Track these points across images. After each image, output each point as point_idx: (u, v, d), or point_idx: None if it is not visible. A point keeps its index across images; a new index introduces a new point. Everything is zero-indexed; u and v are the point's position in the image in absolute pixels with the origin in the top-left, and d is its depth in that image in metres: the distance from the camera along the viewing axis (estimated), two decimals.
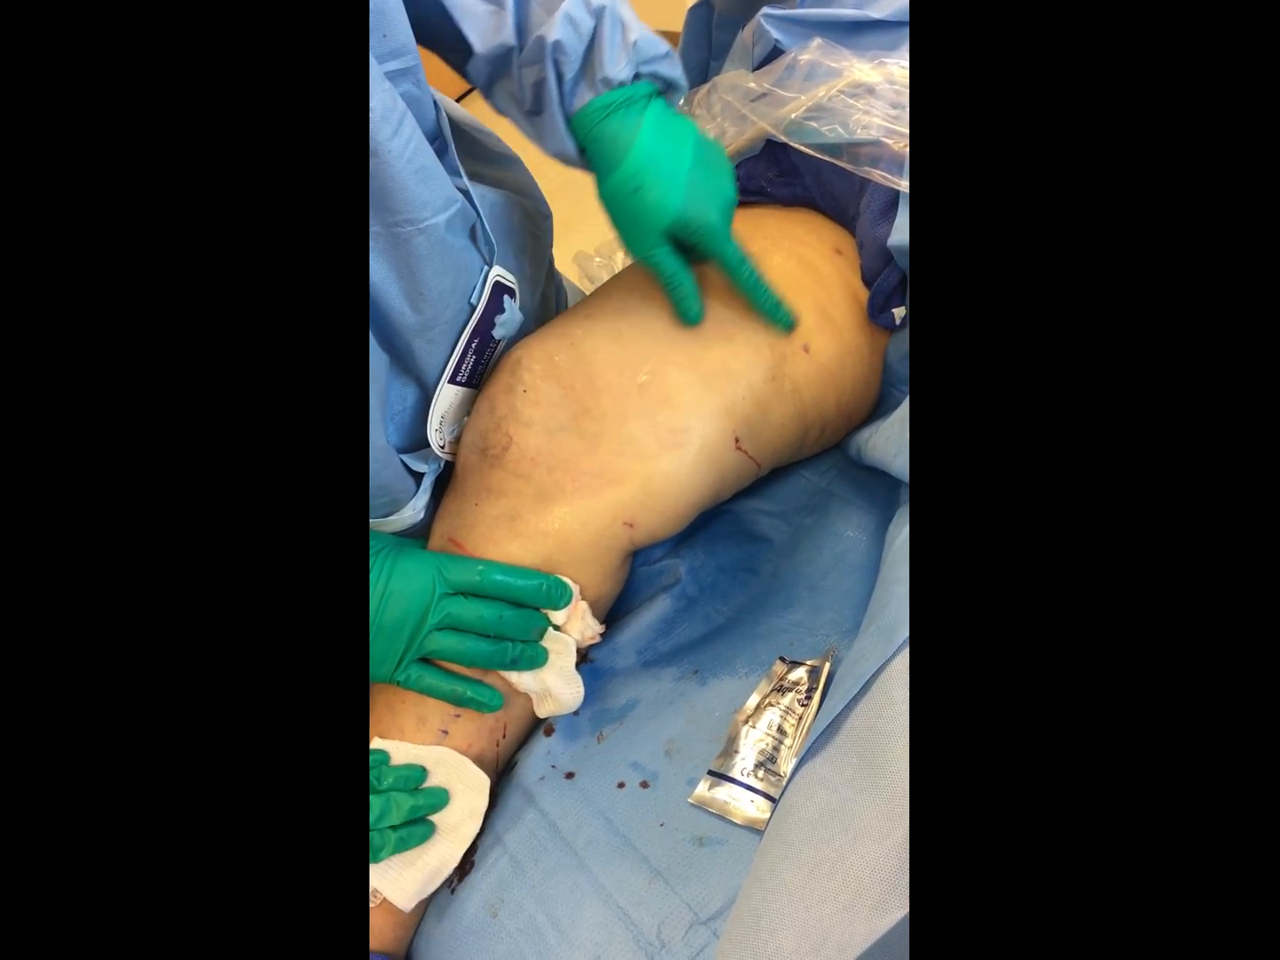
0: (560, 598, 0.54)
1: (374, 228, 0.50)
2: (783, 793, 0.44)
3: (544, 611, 0.55)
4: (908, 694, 0.41)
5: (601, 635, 0.58)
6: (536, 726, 0.59)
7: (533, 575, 0.54)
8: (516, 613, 0.54)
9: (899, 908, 0.36)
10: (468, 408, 0.63)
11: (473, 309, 0.57)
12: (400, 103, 0.47)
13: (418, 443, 0.60)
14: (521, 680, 0.55)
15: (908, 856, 0.37)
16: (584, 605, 0.56)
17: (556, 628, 0.56)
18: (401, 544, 0.57)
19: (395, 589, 0.52)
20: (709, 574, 0.63)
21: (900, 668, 0.42)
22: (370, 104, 0.45)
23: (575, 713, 0.58)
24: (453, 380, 0.60)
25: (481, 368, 0.61)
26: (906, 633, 0.43)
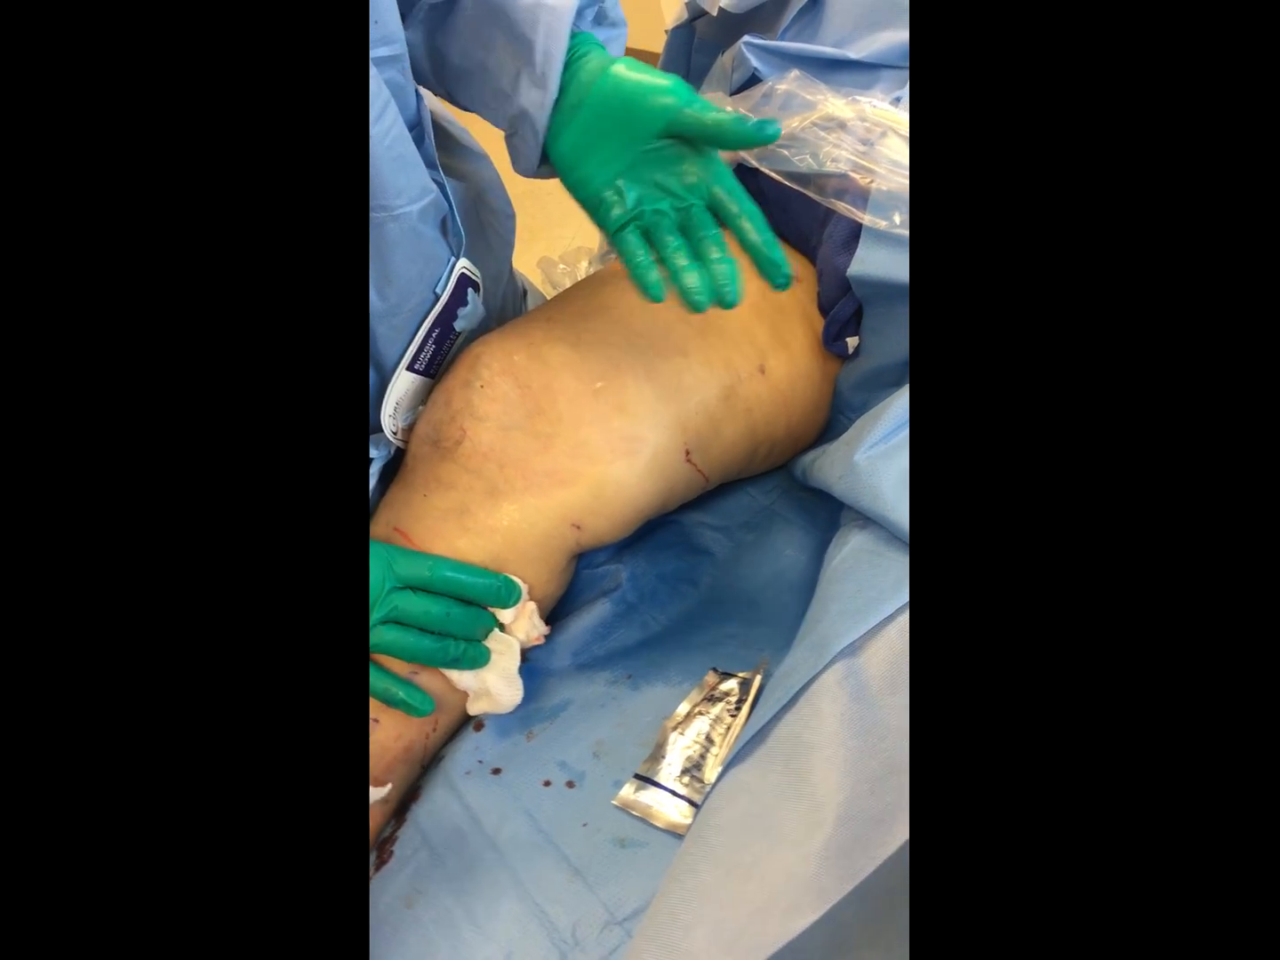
0: (510, 596, 0.55)
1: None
2: (706, 797, 0.44)
3: (491, 611, 0.55)
4: (835, 707, 0.43)
5: (545, 637, 0.59)
6: (467, 721, 0.59)
7: (485, 574, 0.54)
8: (464, 610, 0.54)
9: (812, 912, 0.37)
10: (422, 397, 0.63)
11: (437, 298, 0.58)
12: (385, 90, 0.48)
13: (370, 427, 0.60)
14: (461, 678, 0.55)
15: (824, 863, 0.38)
16: (531, 606, 0.56)
17: (502, 627, 0.56)
18: None
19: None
20: (649, 582, 0.64)
21: (830, 681, 0.44)
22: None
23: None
24: (410, 367, 0.60)
25: (440, 358, 0.62)
26: (838, 648, 0.44)
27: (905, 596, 0.45)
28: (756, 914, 0.37)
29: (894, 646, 0.44)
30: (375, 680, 0.53)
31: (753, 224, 0.52)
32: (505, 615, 0.55)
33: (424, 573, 0.53)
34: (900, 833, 0.39)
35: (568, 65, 0.52)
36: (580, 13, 0.54)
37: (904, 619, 0.45)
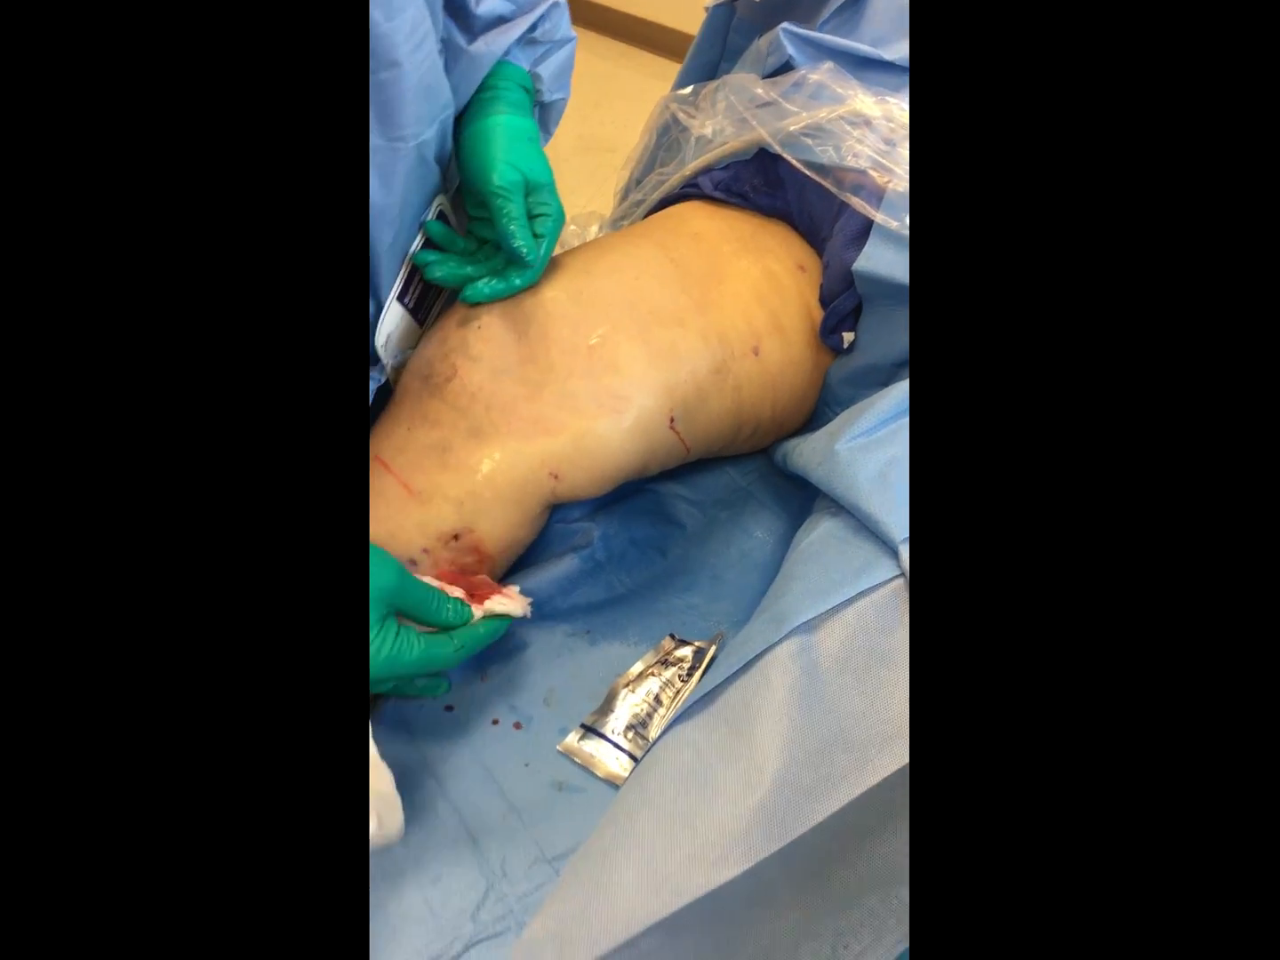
0: (461, 616, 0.52)
1: (376, 140, 0.50)
2: (650, 747, 0.46)
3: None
4: (786, 679, 0.44)
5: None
6: None
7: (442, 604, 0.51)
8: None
9: (738, 865, 0.38)
10: (413, 339, 0.63)
11: (421, 226, 0.58)
12: (428, 19, 0.48)
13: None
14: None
15: (756, 822, 0.40)
16: (514, 589, 0.56)
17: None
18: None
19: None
20: (620, 544, 0.65)
21: (783, 653, 0.45)
22: (405, 15, 0.46)
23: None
24: (400, 299, 0.60)
25: (428, 299, 0.62)
26: (796, 623, 0.46)
27: (867, 583, 0.47)
28: (686, 861, 0.39)
29: (849, 628, 0.46)
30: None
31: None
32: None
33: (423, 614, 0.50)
34: (829, 804, 0.41)
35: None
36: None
37: (862, 603, 0.46)
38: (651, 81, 2.14)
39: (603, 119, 1.96)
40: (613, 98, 2.02)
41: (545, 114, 0.66)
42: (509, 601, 0.54)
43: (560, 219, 0.59)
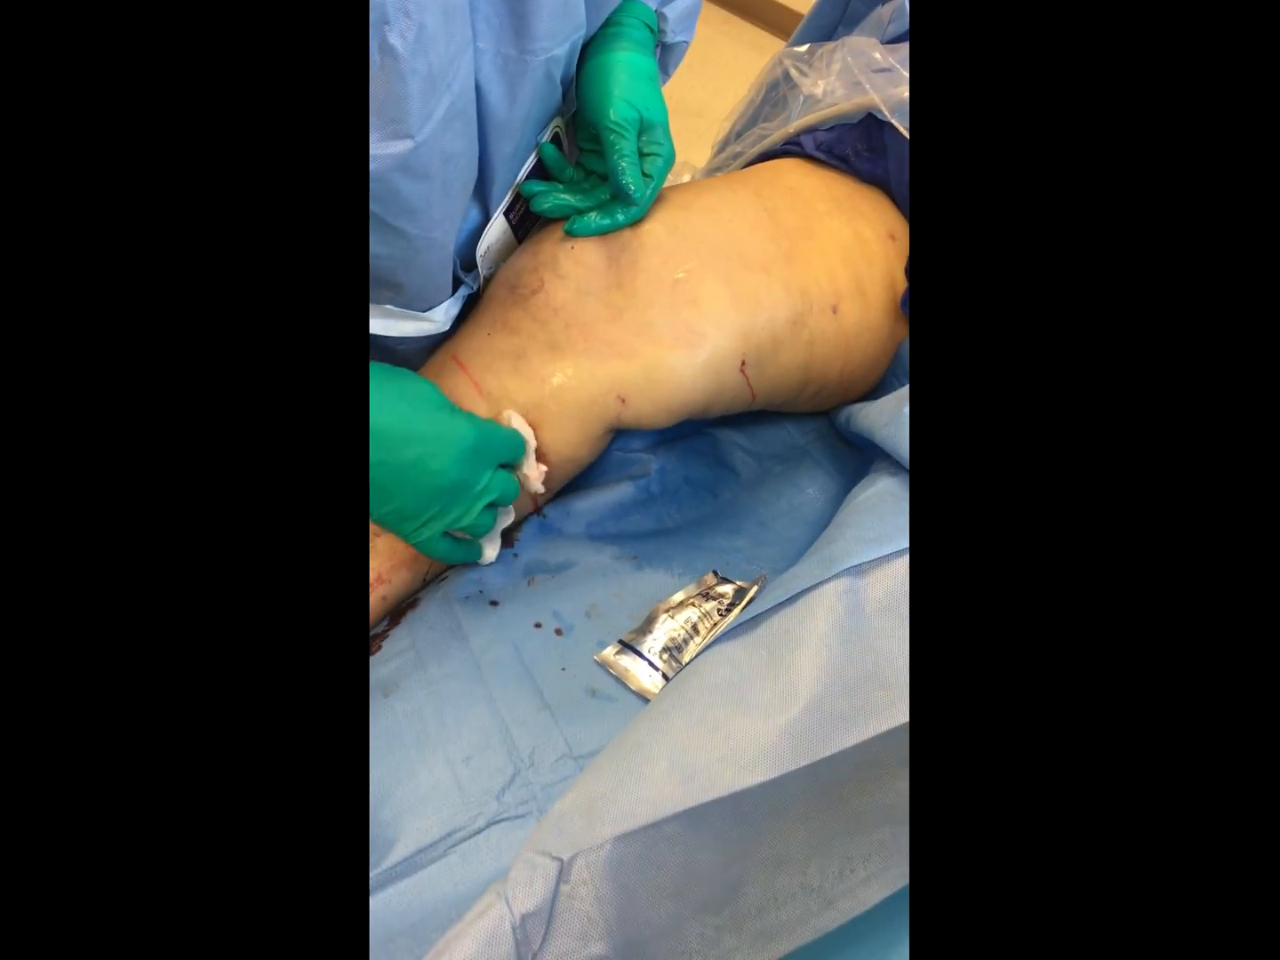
0: (521, 449, 0.57)
1: (509, 51, 0.51)
2: (690, 661, 0.47)
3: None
4: (830, 615, 0.45)
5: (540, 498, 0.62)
6: None
7: (507, 430, 0.56)
8: (512, 482, 0.56)
9: (764, 773, 0.40)
10: (509, 253, 0.65)
11: (537, 147, 0.60)
12: None
13: (466, 263, 0.62)
14: None
15: (786, 737, 0.41)
16: (540, 466, 0.59)
17: None
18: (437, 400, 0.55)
19: (438, 463, 0.51)
20: (675, 480, 0.67)
21: (830, 591, 0.46)
22: None
23: (515, 553, 0.61)
24: (506, 214, 0.62)
25: (529, 215, 0.63)
26: (846, 565, 0.47)
27: None
28: (716, 761, 0.40)
29: (897, 578, 0.47)
30: (452, 550, 0.55)
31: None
32: (534, 484, 0.57)
33: (517, 450, 0.55)
34: (858, 734, 0.42)
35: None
36: None
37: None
38: (747, 51, 2.13)
39: (694, 83, 1.95)
40: (706, 63, 2.01)
41: (666, 55, 0.67)
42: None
43: (670, 160, 0.60)
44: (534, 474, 0.58)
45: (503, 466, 0.56)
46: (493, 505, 0.55)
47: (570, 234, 0.60)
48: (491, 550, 0.59)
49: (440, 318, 0.61)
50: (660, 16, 0.64)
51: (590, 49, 0.60)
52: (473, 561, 0.59)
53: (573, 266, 0.60)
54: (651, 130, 0.59)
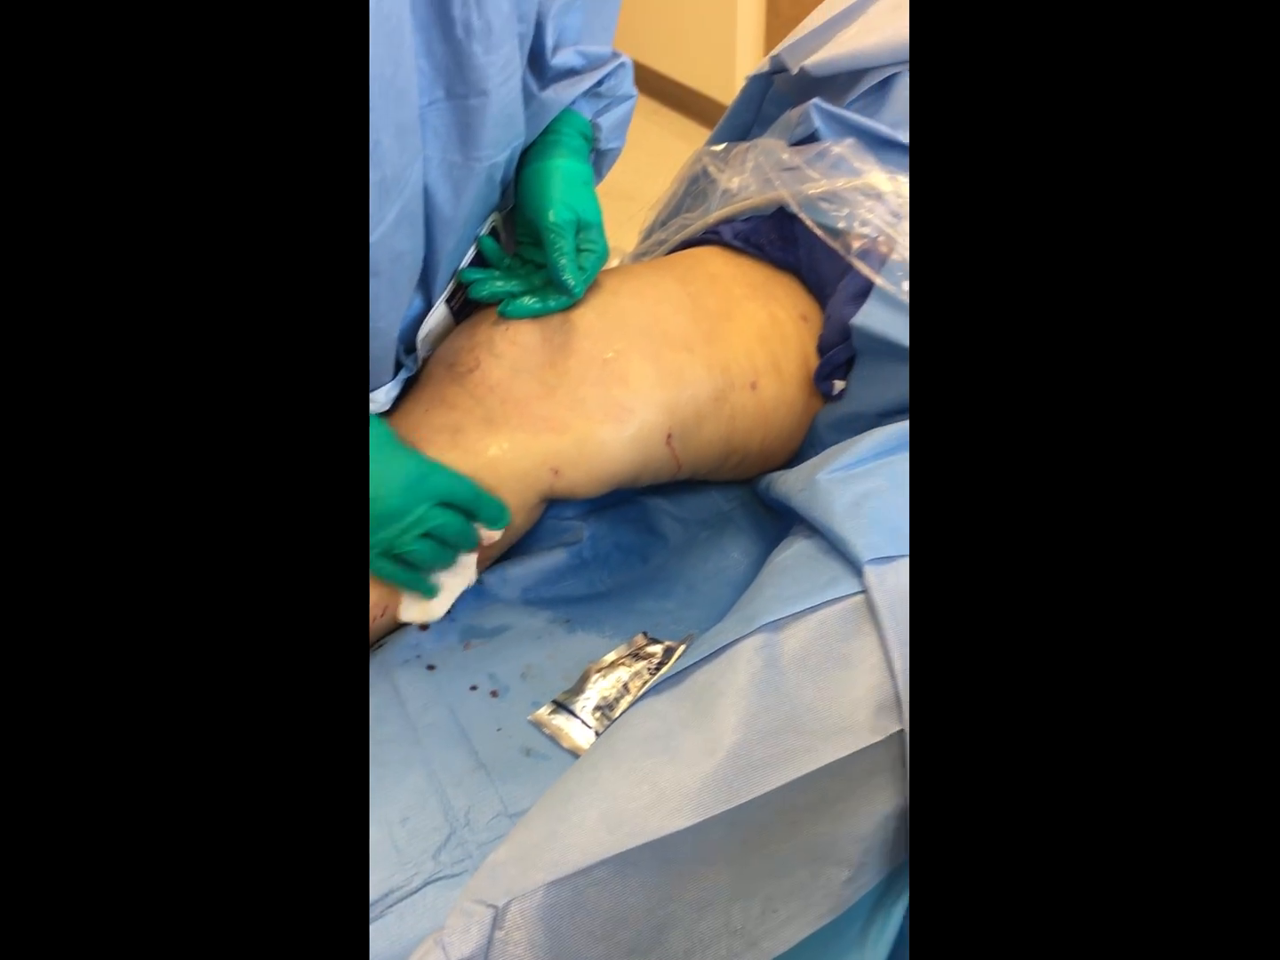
0: (503, 520, 0.60)
1: (455, 158, 0.56)
2: (619, 715, 0.50)
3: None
4: (749, 668, 0.49)
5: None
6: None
7: (492, 498, 0.59)
8: (469, 526, 0.59)
9: (687, 818, 0.43)
10: (446, 335, 0.69)
11: (475, 240, 0.64)
12: (518, 59, 0.54)
13: (408, 346, 0.66)
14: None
15: (708, 784, 0.44)
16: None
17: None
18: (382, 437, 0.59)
19: (382, 490, 0.54)
20: (606, 547, 0.70)
21: (749, 646, 0.50)
22: (500, 52, 0.52)
23: (452, 618, 0.63)
24: (448, 301, 0.66)
25: (468, 303, 0.68)
26: (764, 621, 0.51)
27: (832, 594, 0.52)
28: (643, 809, 0.43)
29: (812, 631, 0.51)
30: (398, 573, 0.58)
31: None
32: (490, 536, 0.60)
33: (456, 488, 0.58)
34: (776, 779, 0.45)
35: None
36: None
37: (826, 611, 0.51)
38: (674, 140, 2.24)
39: (626, 168, 2.03)
40: (638, 150, 2.10)
41: (600, 160, 0.73)
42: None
43: (604, 257, 0.65)
44: (493, 535, 0.61)
45: (457, 510, 0.58)
46: (432, 537, 0.57)
47: (505, 316, 0.64)
48: (446, 596, 0.61)
49: (382, 399, 0.64)
50: (595, 126, 0.69)
51: (531, 154, 0.65)
52: (426, 595, 0.60)
53: (508, 346, 0.64)
54: (588, 230, 0.64)
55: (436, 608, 0.61)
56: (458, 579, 0.62)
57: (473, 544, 0.60)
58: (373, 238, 0.50)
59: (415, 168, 0.53)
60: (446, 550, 0.59)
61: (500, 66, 0.54)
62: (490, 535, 0.61)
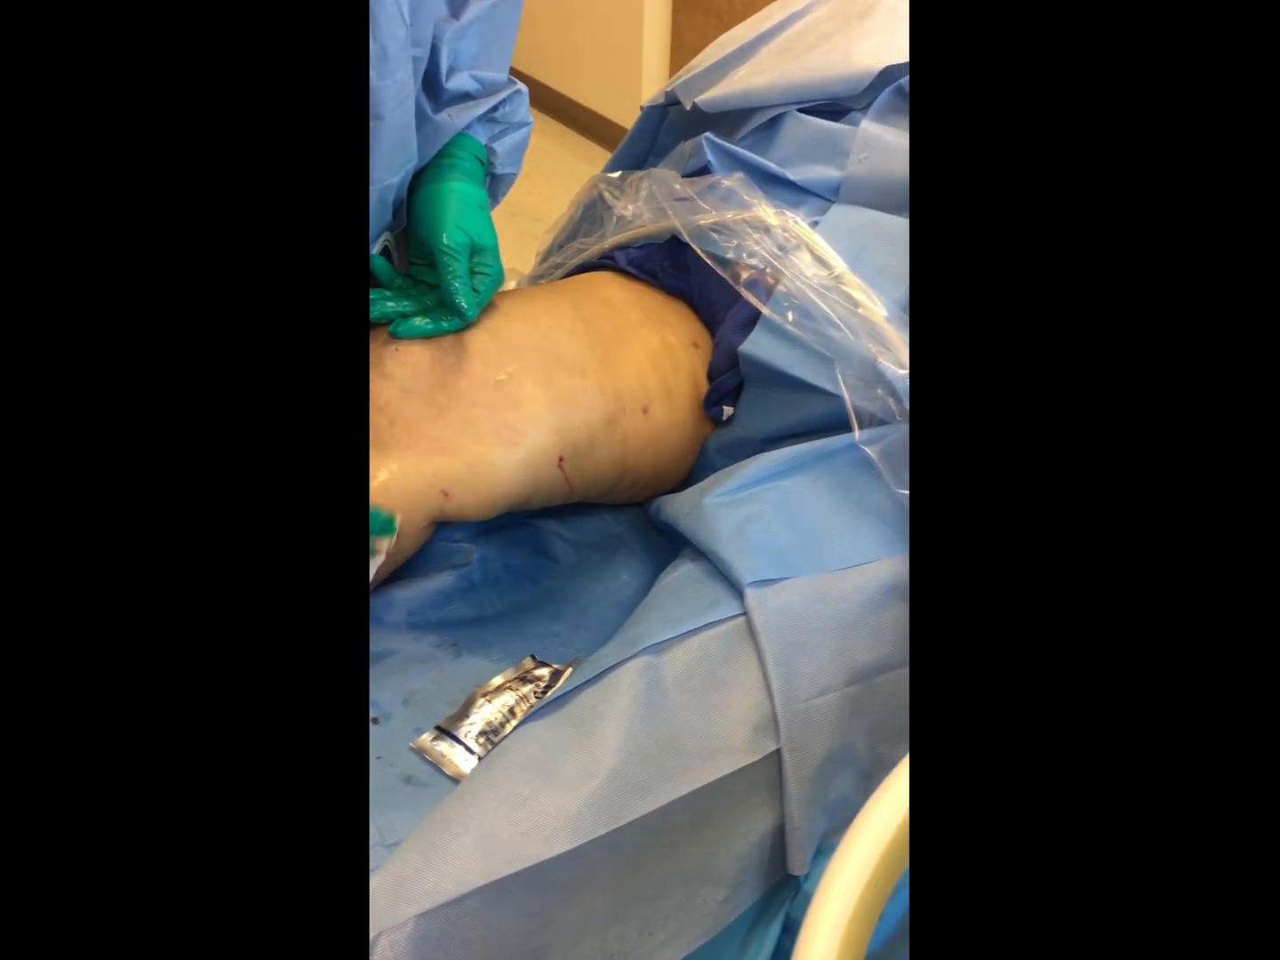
0: (388, 531, 0.59)
1: None
2: (500, 741, 0.50)
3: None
4: (631, 690, 0.49)
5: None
6: None
7: (378, 511, 0.58)
8: None
9: (566, 843, 0.43)
10: None
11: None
12: (412, 83, 0.54)
13: None
14: None
15: (587, 808, 0.44)
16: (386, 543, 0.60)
17: None
18: None
19: None
20: (496, 569, 0.70)
21: (632, 669, 0.50)
22: (395, 77, 0.52)
23: None
24: None
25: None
26: (647, 643, 0.51)
27: (714, 617, 0.53)
28: (520, 835, 0.43)
29: (693, 654, 0.51)
30: None
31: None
32: (380, 545, 0.59)
33: None
34: (654, 801, 0.46)
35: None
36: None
37: (707, 634, 0.52)
38: (580, 163, 2.27)
39: (531, 189, 2.05)
40: (544, 172, 2.13)
41: (495, 184, 0.73)
42: None
43: (499, 280, 0.66)
44: (383, 545, 0.59)
45: None
46: None
47: (395, 336, 0.64)
48: None
49: None
50: (490, 150, 0.69)
51: (425, 175, 0.65)
52: None
53: (397, 367, 0.63)
54: (482, 254, 0.64)
55: None
56: None
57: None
58: None
59: None
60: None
61: (395, 90, 0.55)
62: (379, 543, 0.59)
